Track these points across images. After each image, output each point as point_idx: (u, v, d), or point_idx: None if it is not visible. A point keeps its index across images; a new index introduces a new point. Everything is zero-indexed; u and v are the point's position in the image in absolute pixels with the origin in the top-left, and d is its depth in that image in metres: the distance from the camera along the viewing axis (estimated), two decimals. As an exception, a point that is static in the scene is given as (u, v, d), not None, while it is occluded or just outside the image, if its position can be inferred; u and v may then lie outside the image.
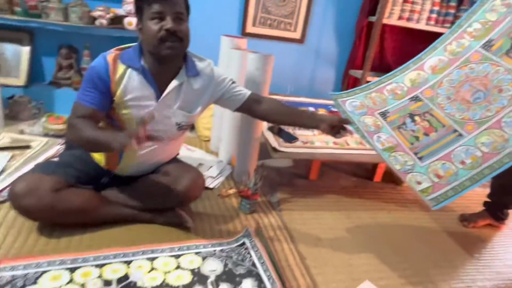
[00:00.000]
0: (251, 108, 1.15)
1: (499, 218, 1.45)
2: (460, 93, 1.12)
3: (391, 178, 1.78)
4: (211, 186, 1.43)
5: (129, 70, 0.98)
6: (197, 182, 1.11)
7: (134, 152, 1.04)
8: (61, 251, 0.96)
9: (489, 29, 1.18)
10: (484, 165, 0.95)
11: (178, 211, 1.12)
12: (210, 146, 1.86)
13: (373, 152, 1.51)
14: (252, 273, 0.97)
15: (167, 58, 0.96)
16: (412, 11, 2.25)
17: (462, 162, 0.98)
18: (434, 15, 2.29)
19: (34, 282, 0.84)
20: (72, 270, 0.90)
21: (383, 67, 2.43)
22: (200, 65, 1.08)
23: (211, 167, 1.59)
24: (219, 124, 1.74)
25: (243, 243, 1.09)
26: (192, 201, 1.16)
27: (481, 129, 1.02)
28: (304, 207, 1.40)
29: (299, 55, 2.36)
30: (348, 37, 2.41)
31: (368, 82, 2.10)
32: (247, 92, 1.15)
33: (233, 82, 1.15)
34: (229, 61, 1.55)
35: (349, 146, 1.57)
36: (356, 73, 2.37)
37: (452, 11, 2.32)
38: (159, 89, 1.01)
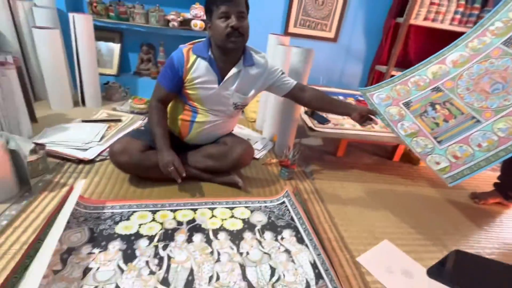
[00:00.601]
0: (296, 95, 1.12)
1: (509, 197, 1.31)
2: (479, 85, 1.01)
3: (408, 158, 1.67)
4: (257, 157, 1.43)
5: (199, 59, 1.00)
6: (248, 152, 1.12)
7: (202, 126, 1.08)
8: (145, 198, 1.02)
9: (511, 27, 1.03)
10: (500, 148, 0.85)
11: (232, 173, 1.14)
12: (256, 126, 1.85)
13: (394, 135, 1.45)
14: (290, 225, 0.97)
15: (231, 50, 0.97)
16: (437, 12, 2.03)
17: (479, 145, 0.89)
18: (458, 16, 2.05)
19: (128, 218, 0.90)
20: (154, 212, 0.95)
21: (406, 64, 2.25)
22: (256, 56, 1.07)
23: (256, 142, 1.59)
24: (263, 108, 1.73)
25: (283, 202, 1.09)
26: (243, 166, 1.17)
27: (498, 116, 0.91)
28: (332, 178, 1.36)
29: (332, 52, 2.25)
30: (376, 36, 2.25)
31: (392, 76, 1.97)
32: (294, 82, 1.13)
33: (283, 73, 1.12)
34: (275, 55, 1.51)
35: (374, 129, 1.48)
36: (382, 68, 2.22)
37: (475, 12, 2.06)
38: (221, 75, 1.02)
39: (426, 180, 1.49)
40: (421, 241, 1.01)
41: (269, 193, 1.15)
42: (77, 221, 0.86)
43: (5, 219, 0.84)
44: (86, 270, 0.71)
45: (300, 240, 0.90)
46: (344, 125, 1.46)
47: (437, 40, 2.08)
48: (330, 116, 1.52)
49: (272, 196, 1.12)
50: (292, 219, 0.99)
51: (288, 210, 1.04)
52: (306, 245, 0.88)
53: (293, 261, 0.82)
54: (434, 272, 0.72)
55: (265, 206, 1.05)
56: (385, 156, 1.71)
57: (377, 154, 1.72)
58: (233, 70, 1.02)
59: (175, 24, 1.86)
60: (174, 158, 0.98)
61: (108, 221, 0.88)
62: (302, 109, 1.51)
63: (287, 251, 0.85)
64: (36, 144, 1.08)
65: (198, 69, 1.00)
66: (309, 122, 1.42)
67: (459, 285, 0.67)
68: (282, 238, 0.90)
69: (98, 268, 0.72)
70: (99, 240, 0.80)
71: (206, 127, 1.10)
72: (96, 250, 0.77)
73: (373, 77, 2.30)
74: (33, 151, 1.05)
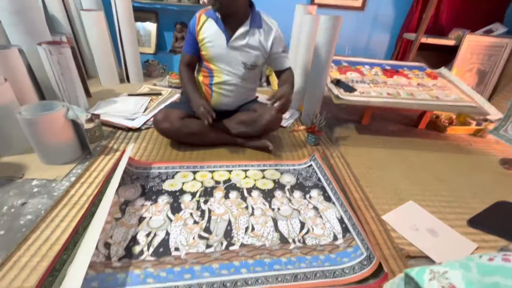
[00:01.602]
0: (279, 74, 1.10)
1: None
2: None
3: (434, 126, 1.54)
4: (284, 125, 1.40)
5: (209, 19, 1.01)
6: (276, 118, 1.08)
7: (219, 89, 1.09)
8: (186, 160, 1.04)
9: None
10: None
11: (262, 139, 1.12)
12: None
13: (421, 102, 1.32)
14: (318, 185, 0.95)
15: (221, 13, 0.97)
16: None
17: None
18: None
19: (172, 177, 0.93)
20: (194, 172, 0.97)
21: (436, 30, 2.00)
22: (266, 21, 1.03)
23: (283, 111, 1.54)
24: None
25: (310, 165, 1.06)
26: (272, 131, 1.14)
27: None
28: (357, 144, 1.30)
29: (358, 21, 2.05)
30: (405, 2, 2.00)
31: (421, 43, 1.76)
32: (288, 65, 1.08)
33: (286, 52, 1.08)
34: (302, 24, 1.40)
35: (401, 96, 1.36)
36: (410, 36, 1.99)
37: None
38: (229, 34, 1.01)
39: (453, 146, 1.37)
40: (447, 203, 0.95)
41: (297, 158, 1.13)
42: (131, 179, 0.90)
43: (73, 176, 0.90)
44: (141, 219, 0.75)
45: (327, 199, 0.88)
46: (370, 93, 1.36)
47: (472, 3, 1.81)
48: (357, 84, 1.42)
49: (300, 160, 1.10)
50: (319, 180, 0.97)
51: (315, 172, 1.01)
52: (333, 203, 0.86)
53: (321, 216, 0.81)
54: (476, 221, 0.67)
55: (294, 169, 1.04)
56: (411, 124, 1.59)
57: (402, 123, 1.60)
58: (240, 30, 0.99)
59: (205, 1, 1.78)
60: (203, 102, 0.99)
61: (156, 179, 0.91)
62: (328, 78, 1.41)
63: (315, 208, 0.84)
64: (92, 114, 1.13)
65: (208, 29, 1.00)
66: (335, 90, 1.33)
67: (503, 232, 0.61)
68: (310, 197, 0.89)
69: (150, 217, 0.76)
70: (149, 194, 0.84)
71: (224, 90, 1.09)
72: (148, 203, 0.81)
73: (401, 46, 2.09)
74: (89, 120, 1.10)
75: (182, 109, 1.07)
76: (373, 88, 1.41)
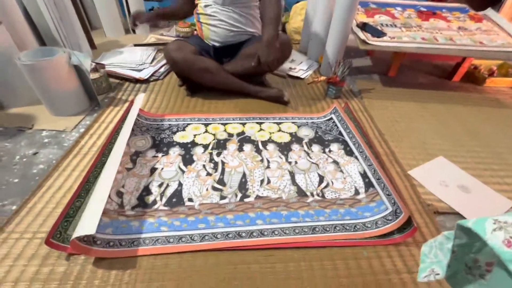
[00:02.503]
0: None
1: None
2: None
3: (472, 78, 1.37)
4: (302, 77, 1.30)
5: None
6: (285, 42, 0.99)
7: (206, 20, 1.02)
8: (197, 112, 1.00)
9: None
10: None
11: (278, 88, 1.06)
12: (299, 48, 1.63)
13: (461, 47, 1.16)
14: (338, 139, 0.89)
15: None
16: None
17: None
18: None
19: (183, 129, 0.90)
20: (206, 125, 0.93)
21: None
22: None
23: (301, 62, 1.41)
24: (307, 27, 1.49)
25: (331, 118, 0.99)
26: (284, 60, 1.05)
27: None
28: (382, 96, 1.19)
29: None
30: None
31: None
32: None
33: None
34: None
35: (438, 42, 1.19)
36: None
37: None
38: None
39: (491, 100, 1.23)
40: (481, 159, 0.87)
41: (315, 111, 1.06)
42: (141, 130, 0.87)
43: (82, 127, 0.88)
44: (153, 170, 0.73)
45: (349, 153, 0.83)
46: (402, 38, 1.19)
47: None
48: (387, 29, 1.24)
49: (319, 113, 1.04)
50: (340, 133, 0.91)
51: (336, 125, 0.95)
52: (356, 157, 0.81)
53: (341, 171, 0.77)
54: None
55: (312, 122, 0.98)
56: (443, 76, 1.42)
57: (434, 74, 1.44)
58: None
59: None
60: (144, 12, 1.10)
61: (166, 131, 0.89)
62: (353, 22, 1.25)
63: (335, 162, 0.80)
64: (97, 63, 1.07)
65: None
66: (362, 35, 1.18)
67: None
68: (329, 151, 0.85)
69: (162, 168, 0.74)
70: (160, 146, 0.82)
71: (209, 20, 1.01)
72: (159, 154, 0.79)
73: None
74: (94, 70, 1.04)
75: (195, 44, 1.04)
76: (405, 32, 1.24)
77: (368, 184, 0.72)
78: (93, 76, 1.02)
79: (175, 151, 0.81)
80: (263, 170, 0.76)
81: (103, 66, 1.08)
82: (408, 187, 0.74)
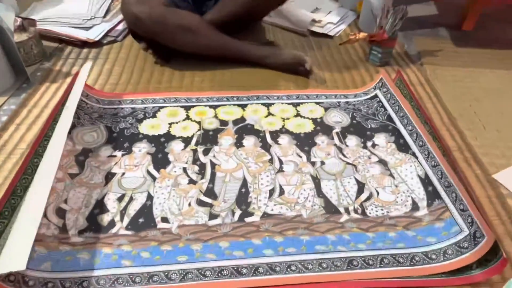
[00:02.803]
0: None
1: None
2: None
3: None
4: (331, 34, 1.30)
5: None
6: None
7: None
8: (174, 90, 1.01)
9: None
10: None
11: (295, 51, 1.08)
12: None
13: None
14: (387, 127, 0.89)
15: None
16: None
17: None
18: None
19: (153, 116, 0.90)
20: (187, 108, 0.93)
21: None
22: None
23: (330, 12, 1.41)
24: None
25: (375, 96, 0.98)
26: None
27: None
28: (454, 62, 1.18)
29: None
30: None
31: None
32: None
33: None
34: None
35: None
36: None
37: None
38: None
39: None
40: None
41: (351, 84, 1.06)
42: (90, 118, 0.88)
43: (4, 114, 0.89)
44: (109, 176, 0.74)
45: (404, 148, 0.83)
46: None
47: None
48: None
49: (357, 88, 1.04)
50: (389, 119, 0.91)
51: (382, 106, 0.94)
52: (413, 154, 0.80)
53: (391, 175, 0.77)
54: None
55: (347, 102, 0.98)
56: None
57: (533, 26, 1.42)
58: None
59: None
60: None
61: (128, 118, 0.89)
62: None
63: (382, 162, 0.80)
64: (24, 19, 1.07)
65: None
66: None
67: None
68: (374, 145, 0.85)
69: (123, 174, 0.75)
70: (120, 141, 0.83)
71: None
72: (118, 153, 0.80)
73: None
74: (21, 29, 1.05)
75: None
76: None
77: (433, 195, 0.71)
78: (18, 37, 1.02)
79: (141, 148, 0.81)
80: (273, 174, 0.76)
81: (33, 22, 1.08)
82: (493, 197, 0.73)
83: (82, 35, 1.18)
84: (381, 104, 0.95)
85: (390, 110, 0.92)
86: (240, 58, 1.09)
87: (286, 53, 1.08)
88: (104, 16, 1.28)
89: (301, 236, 0.64)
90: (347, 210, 0.69)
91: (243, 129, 0.88)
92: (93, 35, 1.19)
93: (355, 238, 0.64)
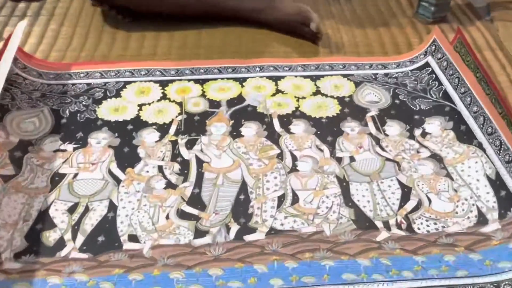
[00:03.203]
0: None
1: None
2: None
3: None
4: None
5: None
6: None
7: None
8: (145, 58, 1.02)
9: None
10: None
11: (296, 4, 1.09)
12: None
13: None
14: (442, 109, 0.89)
15: None
16: None
17: None
18: None
19: (117, 95, 0.91)
20: (164, 84, 0.94)
21: None
22: None
23: None
24: None
25: (426, 64, 0.99)
26: None
27: None
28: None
29: None
30: None
31: None
32: None
33: None
34: None
35: None
36: None
37: None
38: None
39: None
40: None
41: (393, 50, 1.07)
42: (29, 98, 0.88)
43: None
44: (56, 177, 0.74)
45: (466, 137, 0.83)
46: None
47: None
48: None
49: (401, 54, 1.05)
50: (446, 96, 0.91)
51: (436, 80, 0.95)
52: (479, 146, 0.81)
53: (449, 175, 0.77)
54: None
55: (386, 74, 0.99)
56: None
57: None
58: None
59: None
60: None
61: (82, 98, 0.90)
62: None
63: (436, 157, 0.80)
64: None
65: None
66: None
67: None
68: (424, 134, 0.85)
69: (76, 175, 0.75)
70: (71, 129, 0.83)
71: None
72: (68, 147, 0.80)
73: None
74: None
75: None
76: None
77: (507, 202, 0.71)
78: None
79: (100, 140, 0.82)
80: (283, 176, 0.76)
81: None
82: None
83: (17, -18, 1.18)
84: (434, 76, 0.96)
85: (447, 85, 0.93)
86: (227, 13, 1.12)
87: (287, 6, 1.09)
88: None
89: (323, 260, 0.63)
90: (386, 225, 0.69)
91: (242, 113, 0.88)
92: (32, -18, 1.19)
93: (398, 263, 0.63)
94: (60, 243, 0.64)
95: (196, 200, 0.72)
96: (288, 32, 1.11)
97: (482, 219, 0.70)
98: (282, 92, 0.93)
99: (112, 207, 0.70)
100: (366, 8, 1.21)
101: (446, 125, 0.86)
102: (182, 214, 0.69)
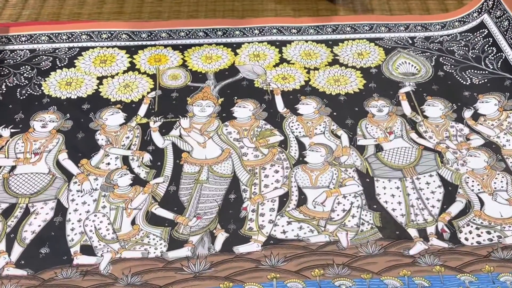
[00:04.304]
0: None
1: None
2: None
3: None
4: None
5: None
6: None
7: None
8: (106, 20, 1.04)
9: None
10: None
11: None
12: None
13: None
14: (501, 83, 0.90)
15: None
16: None
17: None
18: None
19: (70, 64, 0.92)
20: (132, 51, 0.95)
21: None
22: None
23: None
24: None
25: (480, 25, 0.99)
26: None
27: None
28: None
29: None
30: None
31: None
32: None
33: None
34: None
35: None
36: None
37: None
38: None
39: None
40: None
41: (435, 6, 1.08)
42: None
43: None
44: None
45: None
46: None
47: None
48: None
49: (446, 13, 1.05)
50: (505, 66, 0.92)
51: (494, 45, 0.96)
52: None
53: (508, 169, 0.77)
54: None
55: (427, 38, 1.00)
56: None
57: None
58: None
59: None
60: None
61: (24, 69, 0.91)
62: None
63: (492, 146, 0.81)
64: None
65: None
66: None
67: None
68: (476, 116, 0.85)
69: (13, 169, 0.76)
70: (9, 109, 0.84)
71: None
72: (4, 132, 0.81)
73: None
74: None
75: None
76: None
77: None
78: None
79: (47, 123, 0.83)
80: (286, 170, 0.77)
81: None
82: None
83: None
84: (491, 40, 0.96)
85: (508, 52, 0.93)
86: None
87: None
88: None
89: (338, 280, 0.63)
90: (423, 234, 0.69)
91: (234, 88, 0.89)
92: None
93: (438, 284, 0.63)
94: (-9, 256, 0.65)
95: (171, 201, 0.72)
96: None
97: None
98: (288, 62, 0.94)
99: (60, 210, 0.70)
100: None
101: (506, 105, 0.86)
102: (153, 219, 0.70)
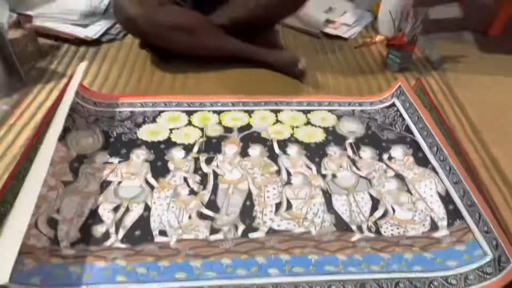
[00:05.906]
0: None
1: None
2: None
3: None
4: (345, 36, 1.31)
5: None
6: None
7: None
8: (176, 93, 1.02)
9: None
10: None
11: (290, 51, 1.17)
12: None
13: None
14: (405, 139, 0.89)
15: None
16: None
17: None
18: None
19: (153, 121, 0.92)
20: (189, 113, 0.95)
21: None
22: None
23: (345, 12, 1.42)
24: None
25: (392, 105, 0.99)
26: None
27: None
28: (478, 69, 1.19)
29: None
30: None
31: None
32: None
33: None
34: None
35: None
36: None
37: None
38: None
39: None
40: None
41: (367, 91, 1.07)
42: (86, 122, 0.89)
43: (-4, 116, 0.90)
44: (105, 184, 0.75)
45: (423, 162, 0.83)
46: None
47: None
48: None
49: (373, 95, 1.04)
50: (408, 129, 0.91)
51: (400, 116, 0.95)
52: (433, 169, 0.80)
53: (409, 190, 0.77)
54: None
55: (362, 111, 0.99)
56: None
57: None
58: None
59: None
60: None
61: (127, 122, 0.91)
62: None
63: (399, 176, 0.80)
64: (20, 15, 1.10)
65: None
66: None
67: None
68: (390, 158, 0.85)
69: (120, 183, 0.75)
70: (117, 147, 0.84)
71: None
72: (114, 160, 0.80)
73: None
74: (16, 25, 1.07)
75: None
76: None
77: (454, 214, 0.71)
78: (13, 34, 1.05)
79: (140, 155, 0.82)
80: (280, 187, 0.76)
81: (29, 19, 1.11)
82: (523, 220, 0.72)
83: (80, 32, 1.20)
84: (399, 113, 0.96)
85: (408, 120, 0.92)
86: (240, 56, 1.14)
87: (282, 53, 1.14)
88: (104, 13, 1.30)
89: (310, 255, 0.64)
90: (360, 228, 0.69)
91: (249, 137, 0.88)
92: (91, 32, 1.21)
93: (368, 259, 0.64)
94: (106, 235, 0.65)
95: (212, 205, 0.72)
96: (282, 70, 1.12)
97: (434, 226, 0.70)
98: (281, 122, 0.93)
99: (147, 208, 0.70)
100: (347, 58, 1.21)
101: (407, 152, 0.86)
102: (201, 215, 0.70)
